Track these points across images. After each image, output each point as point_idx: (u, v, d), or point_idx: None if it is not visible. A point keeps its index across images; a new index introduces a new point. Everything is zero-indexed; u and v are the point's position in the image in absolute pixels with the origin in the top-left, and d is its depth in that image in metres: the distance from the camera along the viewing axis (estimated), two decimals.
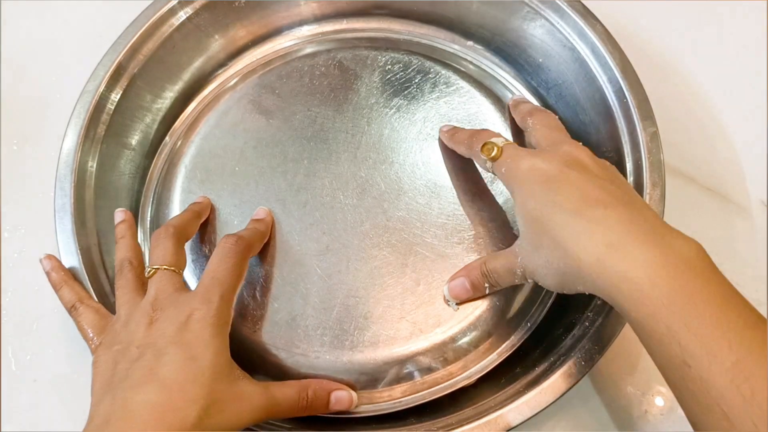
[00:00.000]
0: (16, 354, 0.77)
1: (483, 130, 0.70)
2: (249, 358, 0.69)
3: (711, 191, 0.81)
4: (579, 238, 0.56)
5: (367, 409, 0.68)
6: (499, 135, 0.67)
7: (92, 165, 0.76)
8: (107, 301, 0.70)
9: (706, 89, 0.86)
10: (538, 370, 0.67)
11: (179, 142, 0.81)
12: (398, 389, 0.68)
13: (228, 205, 0.76)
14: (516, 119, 0.75)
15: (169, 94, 0.86)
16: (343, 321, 0.69)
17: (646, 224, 0.55)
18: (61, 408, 0.75)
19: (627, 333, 0.65)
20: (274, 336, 0.69)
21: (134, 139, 0.83)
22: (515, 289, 0.70)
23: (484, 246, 0.71)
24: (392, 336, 0.68)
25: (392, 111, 0.78)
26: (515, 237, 0.69)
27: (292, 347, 0.68)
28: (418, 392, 0.68)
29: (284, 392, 0.62)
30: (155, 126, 0.85)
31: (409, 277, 0.70)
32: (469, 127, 0.75)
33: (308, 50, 0.87)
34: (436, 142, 0.76)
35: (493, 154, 0.64)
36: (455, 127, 0.75)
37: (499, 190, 0.74)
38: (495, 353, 0.69)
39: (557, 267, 0.58)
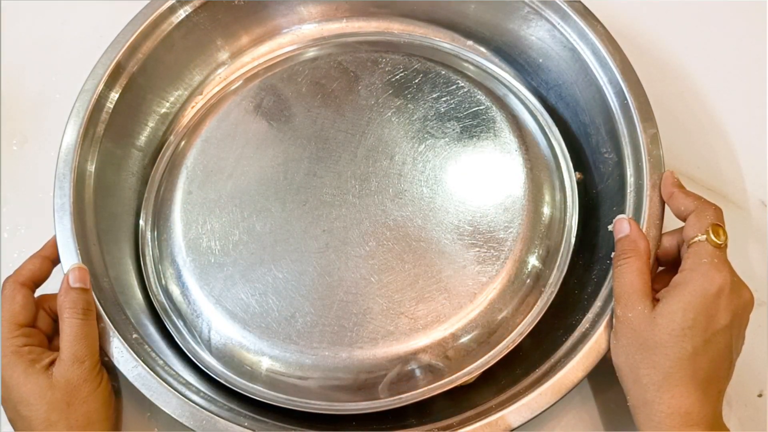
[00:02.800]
0: None
1: (712, 204, 0.65)
2: (247, 355, 0.69)
3: (710, 191, 0.81)
4: (680, 384, 0.59)
5: (367, 406, 0.68)
6: (722, 218, 0.65)
7: (92, 164, 0.76)
8: (107, 300, 0.70)
9: (706, 90, 0.86)
10: (539, 371, 0.67)
11: (182, 144, 0.82)
12: (398, 386, 0.68)
13: (229, 205, 0.76)
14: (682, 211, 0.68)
15: (174, 96, 0.87)
16: (342, 317, 0.69)
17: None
18: None
19: None
20: (273, 334, 0.69)
21: (142, 141, 0.84)
22: (515, 287, 0.70)
23: (483, 242, 0.71)
24: (391, 332, 0.68)
25: (392, 111, 0.78)
26: (515, 238, 0.70)
27: (291, 344, 0.68)
28: (418, 389, 0.68)
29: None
30: (163, 128, 0.86)
31: (409, 273, 0.70)
32: (469, 124, 0.76)
33: (310, 54, 0.87)
34: (436, 141, 0.76)
35: (720, 241, 0.62)
36: (680, 184, 0.69)
37: (499, 190, 0.73)
38: (495, 350, 0.68)
39: (638, 375, 0.61)
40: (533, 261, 0.71)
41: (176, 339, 0.74)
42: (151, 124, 0.85)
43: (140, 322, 0.73)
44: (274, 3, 0.88)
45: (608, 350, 0.64)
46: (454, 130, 0.77)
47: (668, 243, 0.68)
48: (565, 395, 0.63)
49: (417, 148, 0.76)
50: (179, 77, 0.87)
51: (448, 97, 0.79)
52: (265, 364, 0.69)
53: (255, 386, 0.70)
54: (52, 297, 0.70)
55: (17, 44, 0.94)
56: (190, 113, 0.87)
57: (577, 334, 0.67)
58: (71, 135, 0.75)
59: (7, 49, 0.94)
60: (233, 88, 0.86)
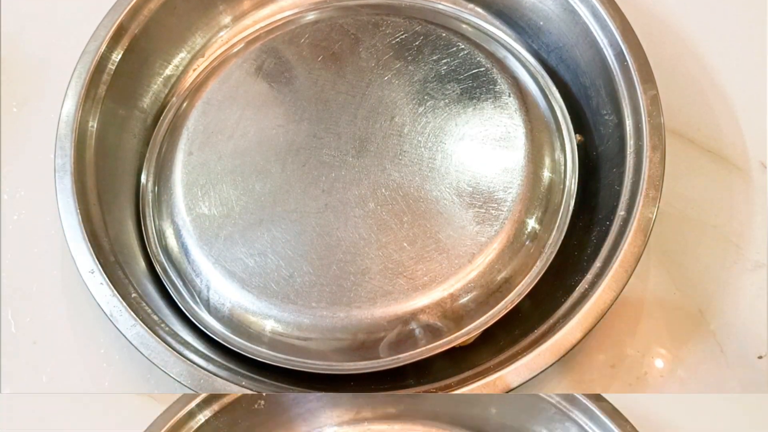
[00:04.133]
0: (16, 316, 0.77)
1: None
2: (245, 315, 0.70)
3: (711, 153, 0.80)
4: None
5: (365, 366, 0.68)
6: None
7: (93, 125, 0.76)
8: (107, 260, 0.70)
9: (706, 51, 0.86)
10: (538, 332, 0.67)
11: (184, 105, 0.82)
12: (396, 345, 0.68)
13: (229, 166, 0.76)
14: None
15: (177, 59, 0.87)
16: (341, 277, 0.69)
17: None
18: (61, 370, 0.75)
19: (626, 295, 0.65)
20: (271, 293, 0.69)
21: (144, 102, 0.84)
22: (514, 248, 0.70)
23: (482, 203, 0.70)
24: (390, 292, 0.68)
25: (392, 73, 0.78)
26: (514, 199, 0.70)
27: (289, 303, 0.69)
28: (416, 349, 0.68)
29: None
30: (165, 90, 0.86)
31: (407, 233, 0.70)
32: (469, 85, 0.76)
33: (311, 17, 0.87)
34: (436, 103, 0.76)
35: None
36: None
37: (499, 151, 0.73)
38: (494, 311, 0.68)
39: None
40: (532, 222, 0.71)
41: (175, 299, 0.74)
42: (153, 86, 0.85)
43: (139, 281, 0.73)
44: None
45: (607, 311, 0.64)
46: (454, 91, 0.76)
47: None
48: (563, 356, 0.63)
49: (417, 109, 0.76)
50: (182, 40, 0.87)
51: (449, 59, 0.78)
52: (264, 323, 0.69)
53: (253, 346, 0.70)
54: None
55: (16, 5, 0.94)
56: (192, 75, 0.87)
57: (576, 295, 0.67)
58: (73, 96, 0.75)
59: (7, 10, 0.93)
60: (235, 50, 0.86)
